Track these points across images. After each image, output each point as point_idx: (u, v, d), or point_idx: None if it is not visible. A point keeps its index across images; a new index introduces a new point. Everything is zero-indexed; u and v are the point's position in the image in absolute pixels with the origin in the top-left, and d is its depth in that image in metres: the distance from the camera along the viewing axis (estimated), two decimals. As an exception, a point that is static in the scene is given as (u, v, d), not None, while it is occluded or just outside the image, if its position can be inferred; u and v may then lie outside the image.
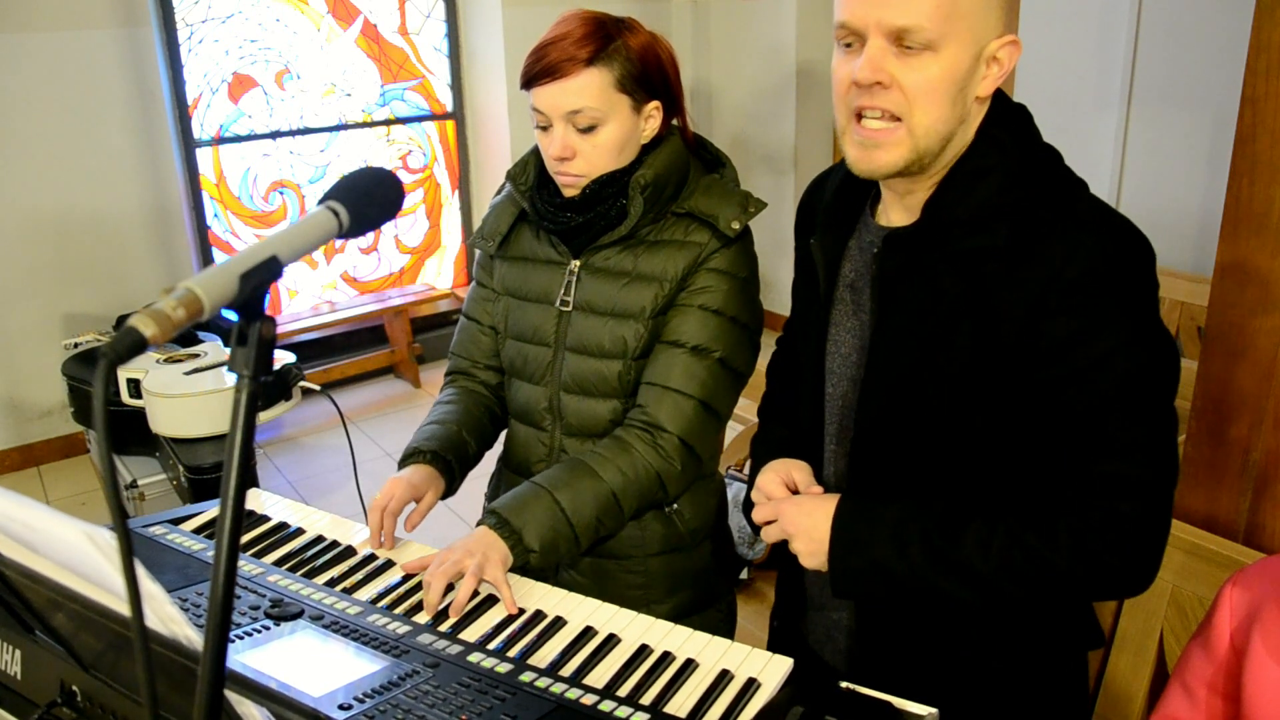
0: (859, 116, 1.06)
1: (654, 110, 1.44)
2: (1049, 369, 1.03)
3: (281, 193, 4.72)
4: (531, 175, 1.52)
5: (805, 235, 1.29)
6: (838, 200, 1.22)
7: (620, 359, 1.46)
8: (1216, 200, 2.20)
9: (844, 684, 1.06)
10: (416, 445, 1.52)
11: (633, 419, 1.45)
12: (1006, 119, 1.10)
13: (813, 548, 1.13)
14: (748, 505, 1.28)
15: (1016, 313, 1.03)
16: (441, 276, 5.31)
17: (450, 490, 1.52)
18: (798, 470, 1.23)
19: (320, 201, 0.79)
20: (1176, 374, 1.07)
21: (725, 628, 1.64)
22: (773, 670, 1.11)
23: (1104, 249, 1.01)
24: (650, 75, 1.41)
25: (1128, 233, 1.03)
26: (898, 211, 1.16)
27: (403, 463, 1.51)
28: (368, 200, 0.81)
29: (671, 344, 1.44)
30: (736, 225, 1.43)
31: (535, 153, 1.52)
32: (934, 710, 1.02)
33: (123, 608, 0.80)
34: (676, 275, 1.44)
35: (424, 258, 5.25)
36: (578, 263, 1.49)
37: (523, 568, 1.37)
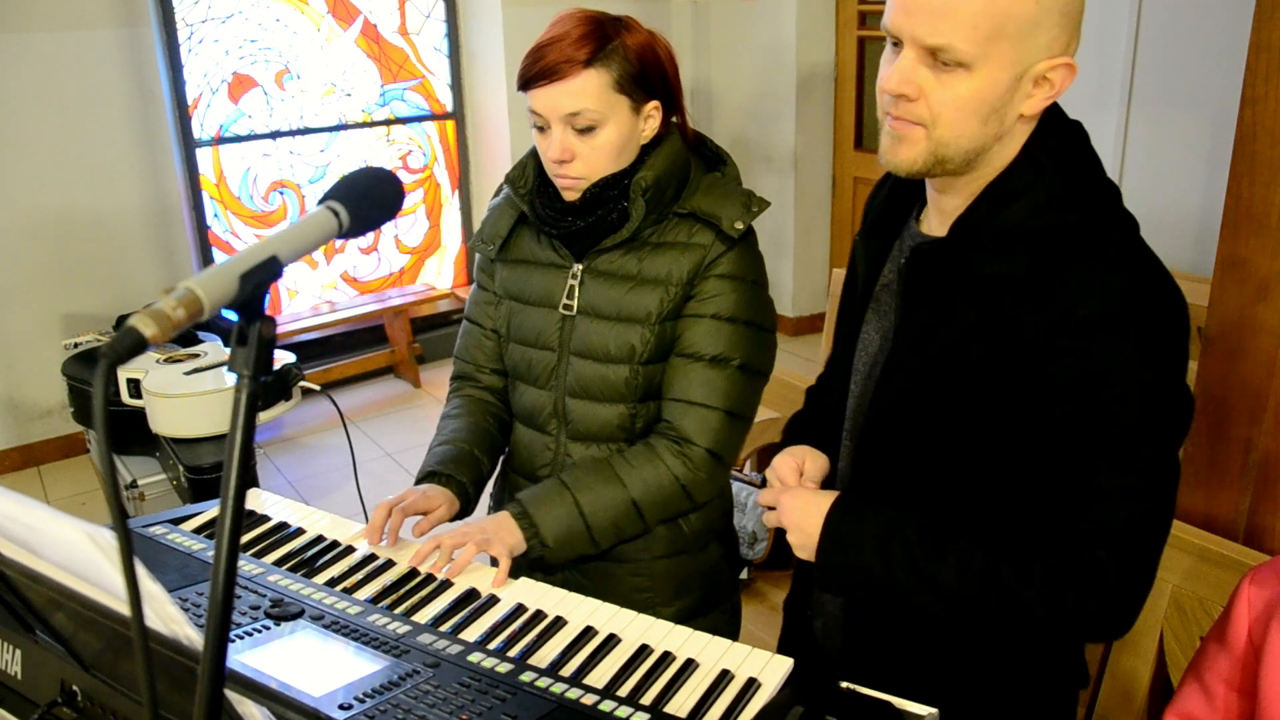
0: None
1: (653, 110, 1.42)
2: (1050, 408, 1.01)
3: (281, 193, 4.72)
4: (530, 178, 1.50)
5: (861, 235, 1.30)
6: (888, 203, 1.23)
7: (627, 364, 1.45)
8: (1216, 200, 2.20)
9: (844, 684, 1.06)
10: (430, 469, 1.51)
11: (661, 431, 1.46)
12: (1056, 140, 1.07)
13: (803, 540, 1.15)
14: (763, 484, 1.30)
15: (1026, 346, 1.01)
16: (441, 276, 5.31)
17: (466, 511, 1.52)
18: (811, 459, 1.25)
19: (320, 201, 0.79)
20: (1185, 426, 1.05)
21: (730, 629, 1.64)
22: (773, 670, 1.11)
23: (1121, 291, 0.98)
24: (649, 75, 1.40)
25: (1154, 277, 1.01)
26: (936, 220, 1.15)
27: (418, 484, 1.51)
28: (368, 200, 0.81)
29: (689, 357, 1.44)
30: (740, 225, 1.42)
31: (533, 155, 1.51)
32: (934, 710, 1.02)
33: (123, 608, 0.80)
34: (682, 279, 1.43)
35: (424, 258, 5.25)
36: (580, 266, 1.48)
37: (538, 560, 1.41)
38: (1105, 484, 1.00)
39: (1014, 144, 1.06)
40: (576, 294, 1.48)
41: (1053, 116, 1.08)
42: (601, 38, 1.35)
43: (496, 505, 1.69)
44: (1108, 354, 0.98)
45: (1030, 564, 1.02)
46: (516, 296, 1.55)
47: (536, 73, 1.35)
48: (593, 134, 1.38)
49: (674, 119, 1.48)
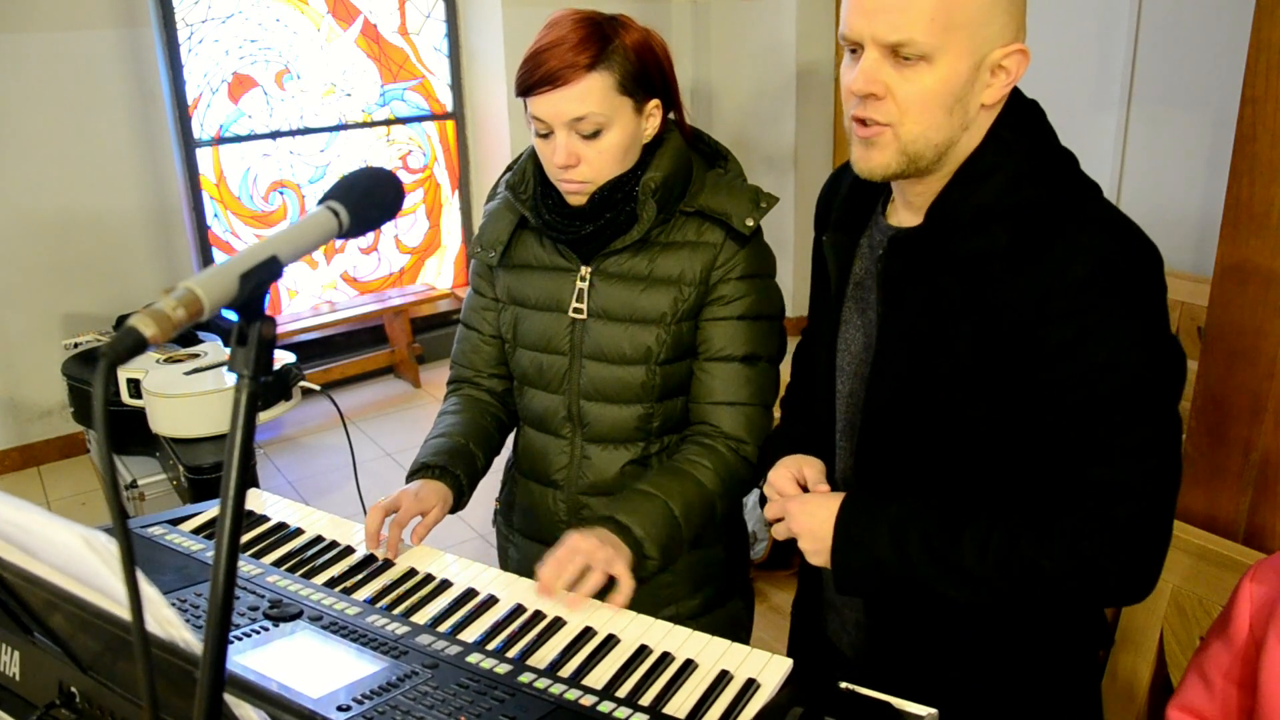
0: (861, 121, 1.07)
1: (654, 109, 1.40)
2: (1050, 373, 1.03)
3: (281, 193, 4.72)
4: (531, 184, 1.47)
5: (821, 232, 1.30)
6: (850, 198, 1.23)
7: (643, 365, 1.45)
8: (1216, 200, 2.20)
9: (844, 684, 1.06)
10: (424, 461, 1.50)
11: (707, 433, 1.46)
12: (1018, 118, 1.10)
13: (817, 546, 1.14)
14: (763, 499, 1.29)
15: (1018, 316, 1.03)
16: (441, 276, 5.31)
17: (459, 504, 1.51)
18: (809, 467, 1.24)
19: (320, 201, 0.79)
20: (1181, 379, 1.06)
21: (747, 616, 1.65)
22: (772, 671, 1.11)
23: (1106, 254, 1.01)
24: (649, 73, 1.38)
25: (1132, 237, 1.03)
26: (906, 211, 1.16)
27: (410, 478, 1.50)
28: (368, 200, 0.81)
29: (722, 359, 1.45)
30: (751, 223, 1.41)
31: (532, 159, 1.47)
32: (934, 710, 1.02)
33: (120, 611, 0.80)
34: (695, 278, 1.42)
35: (424, 258, 5.26)
36: (588, 269, 1.46)
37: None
38: (1113, 443, 1.01)
39: (979, 134, 1.09)
40: (586, 297, 1.46)
41: (1011, 97, 1.11)
42: (601, 39, 1.33)
43: (506, 510, 1.68)
44: (1102, 314, 1.00)
45: (1050, 533, 1.03)
46: (521, 302, 1.53)
47: (538, 79, 1.32)
48: (598, 138, 1.36)
49: (671, 115, 1.46)
